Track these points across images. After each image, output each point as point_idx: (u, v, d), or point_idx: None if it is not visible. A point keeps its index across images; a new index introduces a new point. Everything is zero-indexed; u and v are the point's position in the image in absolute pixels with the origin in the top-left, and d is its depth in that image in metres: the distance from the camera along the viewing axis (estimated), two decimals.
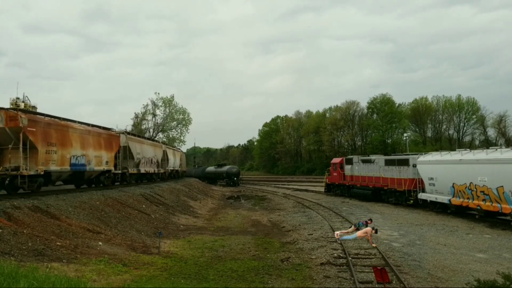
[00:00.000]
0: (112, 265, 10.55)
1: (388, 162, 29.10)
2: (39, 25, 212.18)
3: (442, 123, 68.40)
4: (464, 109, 65.42)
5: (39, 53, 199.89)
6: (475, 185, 19.27)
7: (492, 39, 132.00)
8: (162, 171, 36.65)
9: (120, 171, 25.22)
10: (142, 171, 29.90)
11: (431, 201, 23.65)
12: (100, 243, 12.72)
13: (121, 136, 25.78)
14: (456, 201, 20.97)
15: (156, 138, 53.15)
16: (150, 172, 32.54)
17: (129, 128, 51.87)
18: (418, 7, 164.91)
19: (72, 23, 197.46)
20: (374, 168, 30.48)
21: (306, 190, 45.22)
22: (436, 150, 37.84)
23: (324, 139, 73.19)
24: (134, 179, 29.83)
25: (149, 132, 59.10)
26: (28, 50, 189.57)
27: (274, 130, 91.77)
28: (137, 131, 48.90)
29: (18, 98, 50.69)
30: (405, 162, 26.93)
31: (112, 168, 23.64)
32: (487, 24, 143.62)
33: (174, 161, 43.94)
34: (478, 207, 19.27)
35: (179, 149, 53.90)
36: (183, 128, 62.30)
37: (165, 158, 38.07)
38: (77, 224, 13.86)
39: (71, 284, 6.92)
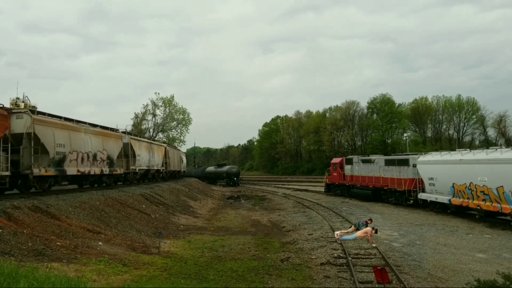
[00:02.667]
0: (112, 265, 10.56)
1: (388, 162, 29.10)
2: (39, 25, 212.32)
3: (442, 123, 68.42)
4: (464, 109, 65.44)
5: (39, 53, 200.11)
6: (475, 185, 19.27)
7: (492, 39, 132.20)
8: (119, 171, 25.67)
9: (8, 173, 15.36)
10: (71, 171, 19.58)
11: (431, 201, 23.65)
12: (100, 243, 12.73)
13: (24, 117, 16.50)
14: (456, 201, 20.98)
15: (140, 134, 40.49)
16: (94, 173, 22.03)
17: (129, 128, 51.08)
18: (418, 6, 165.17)
19: (71, 22, 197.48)
20: (374, 168, 30.49)
21: (306, 190, 45.23)
22: (436, 150, 37.90)
23: (324, 139, 73.18)
24: (55, 183, 19.56)
25: (149, 132, 59.14)
26: (27, 50, 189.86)
27: (274, 130, 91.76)
28: (137, 131, 48.28)
29: (18, 98, 50.60)
30: (405, 162, 26.93)
31: None
32: (488, 24, 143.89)
33: (151, 159, 32.80)
34: (478, 207, 19.28)
35: (164, 142, 43.55)
36: (183, 128, 62.35)
37: (129, 153, 27.50)
38: (77, 224, 13.88)
39: (71, 284, 6.92)
